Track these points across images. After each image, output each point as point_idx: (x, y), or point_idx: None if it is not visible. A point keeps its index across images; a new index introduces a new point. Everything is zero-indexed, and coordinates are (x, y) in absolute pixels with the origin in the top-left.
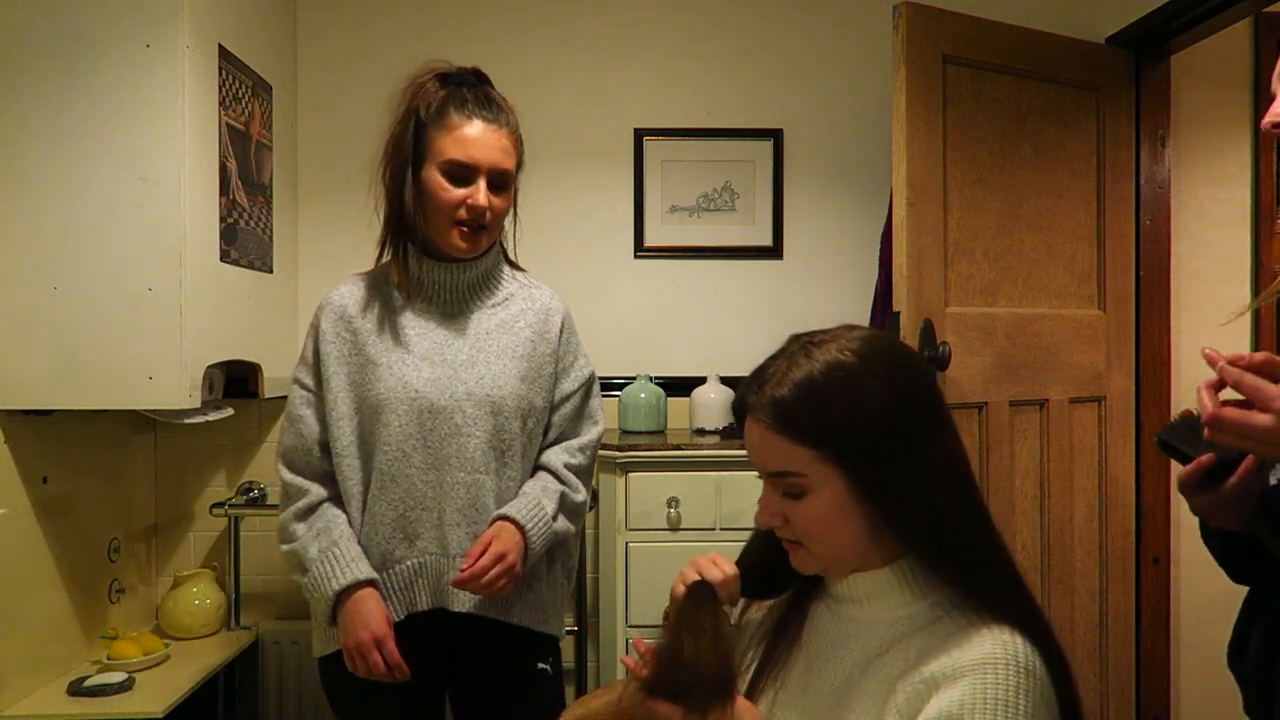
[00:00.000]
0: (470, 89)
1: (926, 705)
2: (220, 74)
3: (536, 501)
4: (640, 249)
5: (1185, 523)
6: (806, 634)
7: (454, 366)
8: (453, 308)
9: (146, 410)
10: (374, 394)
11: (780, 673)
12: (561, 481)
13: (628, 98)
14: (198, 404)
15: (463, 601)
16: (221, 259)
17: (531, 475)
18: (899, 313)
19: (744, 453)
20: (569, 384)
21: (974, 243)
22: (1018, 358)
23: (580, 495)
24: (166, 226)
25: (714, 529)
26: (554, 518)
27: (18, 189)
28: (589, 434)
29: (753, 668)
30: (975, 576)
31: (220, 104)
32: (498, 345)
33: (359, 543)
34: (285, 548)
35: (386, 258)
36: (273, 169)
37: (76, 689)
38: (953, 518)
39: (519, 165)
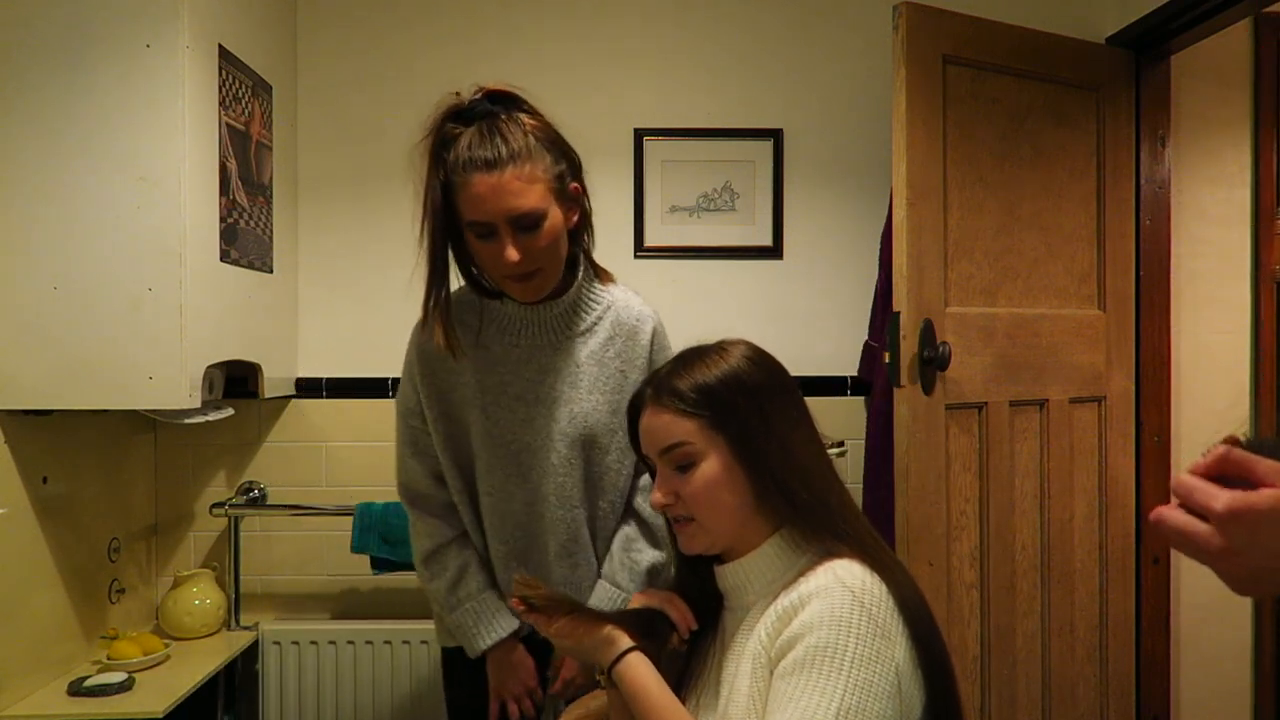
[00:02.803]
0: (480, 123)
1: (782, 633)
2: (220, 74)
3: (618, 600)
4: (640, 249)
5: None
6: (719, 643)
7: (547, 405)
8: (540, 342)
9: (146, 410)
10: (474, 437)
11: (699, 680)
12: (649, 538)
13: (628, 98)
14: (198, 404)
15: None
16: (221, 259)
17: (625, 512)
18: (899, 313)
19: None
20: None
21: (974, 243)
22: (1018, 358)
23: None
24: (166, 226)
25: None
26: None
27: (18, 189)
28: None
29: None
30: (830, 529)
31: (220, 104)
32: (589, 379)
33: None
34: (425, 586)
35: (430, 303)
36: (273, 169)
37: (76, 689)
38: (812, 482)
39: (556, 184)
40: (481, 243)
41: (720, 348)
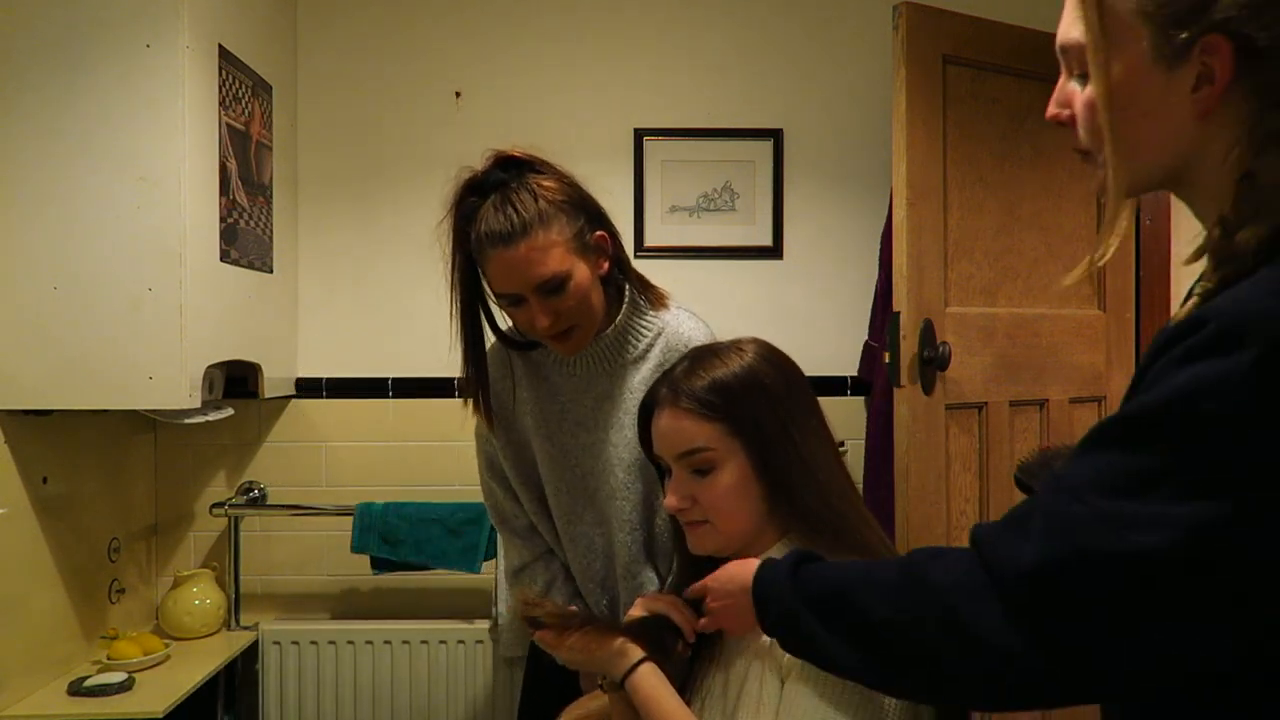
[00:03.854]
0: (496, 193)
1: None
2: (220, 74)
3: None
4: (640, 249)
5: None
6: (723, 645)
7: (604, 430)
8: (594, 371)
9: (146, 410)
10: (539, 465)
11: (703, 682)
12: None
13: (628, 98)
14: (198, 404)
15: None
16: (221, 259)
17: None
18: (899, 313)
19: None
20: None
21: (974, 243)
22: (1018, 358)
23: None
24: (166, 226)
25: None
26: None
27: (18, 189)
28: None
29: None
30: (844, 540)
31: (220, 104)
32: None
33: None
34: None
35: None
36: (273, 169)
37: (76, 689)
38: (828, 493)
39: (576, 241)
40: (514, 310)
41: (736, 347)
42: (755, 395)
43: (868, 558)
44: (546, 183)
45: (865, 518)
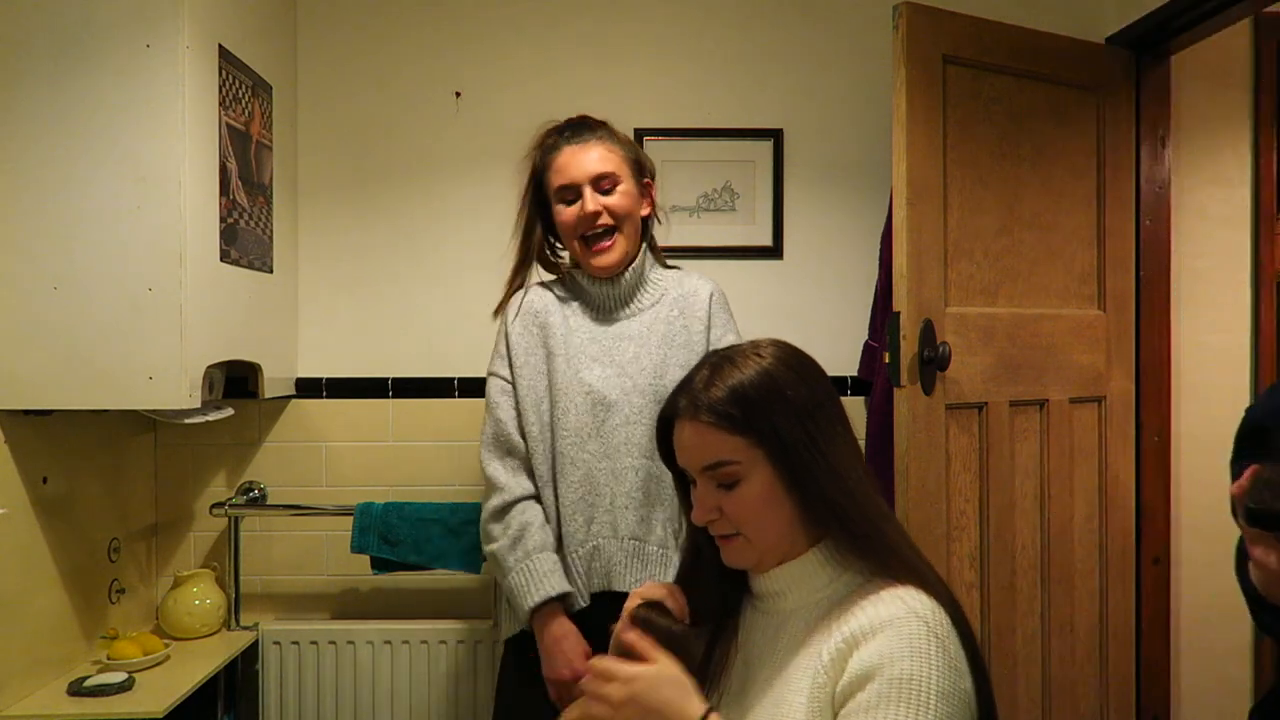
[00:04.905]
0: (569, 128)
1: (849, 661)
2: (220, 74)
3: None
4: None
5: (1185, 523)
6: (741, 639)
7: (621, 364)
8: (614, 314)
9: (146, 410)
10: (555, 385)
11: (720, 679)
12: None
13: (628, 98)
14: (198, 404)
15: (628, 581)
16: (221, 259)
17: None
18: (899, 313)
19: None
20: None
21: (974, 243)
22: (1018, 358)
23: None
24: (166, 226)
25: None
26: None
27: (18, 189)
28: None
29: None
30: (882, 549)
31: (220, 104)
32: (658, 337)
33: (553, 529)
34: (486, 548)
35: (514, 283)
36: (273, 169)
37: (76, 689)
38: (860, 498)
39: (637, 168)
40: (566, 208)
41: (755, 352)
42: (776, 404)
43: (917, 579)
44: (616, 130)
45: (898, 526)
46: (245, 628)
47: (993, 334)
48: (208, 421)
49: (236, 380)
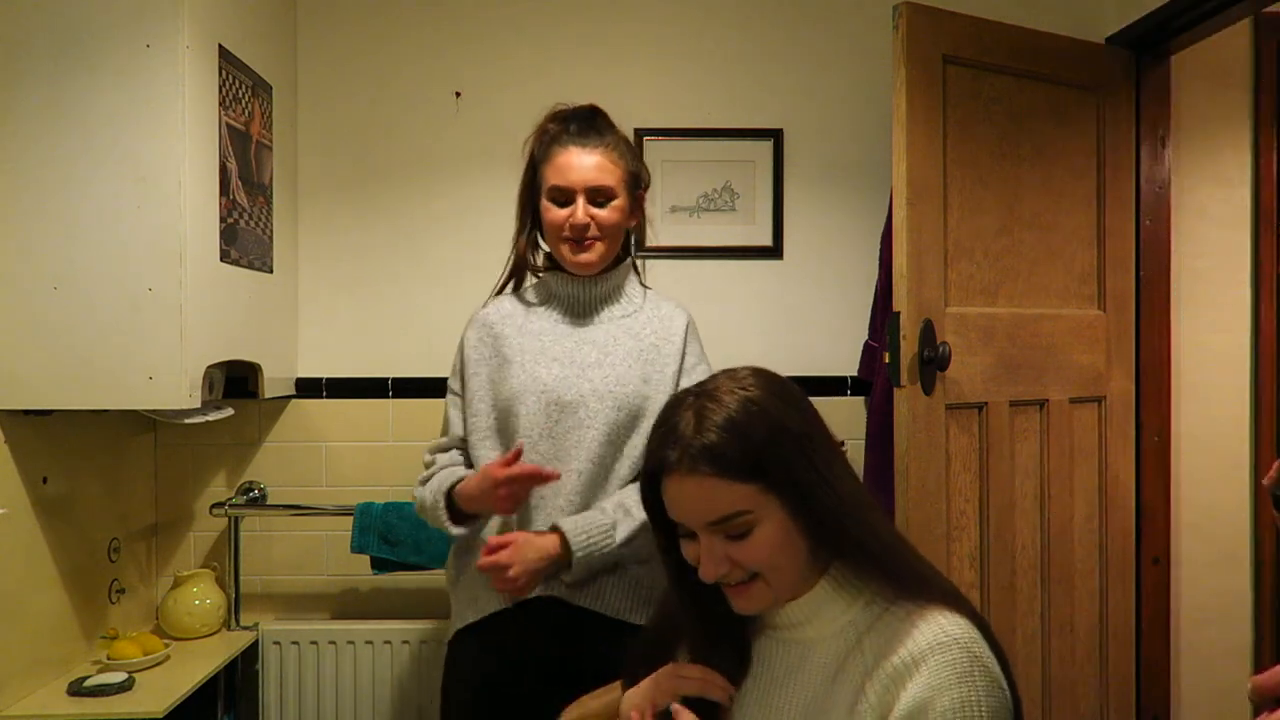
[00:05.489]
0: (577, 121)
1: (898, 698)
2: (220, 74)
3: (607, 524)
4: (641, 249)
5: (1185, 523)
6: (754, 668)
7: (581, 367)
8: (584, 318)
9: (146, 410)
10: (508, 388)
11: (733, 710)
12: None
13: (628, 97)
14: (198, 404)
15: (567, 590)
16: (221, 259)
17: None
18: (899, 313)
19: None
20: (688, 384)
21: (974, 243)
22: (1018, 358)
23: None
24: (166, 226)
25: None
26: (627, 541)
27: (18, 189)
28: None
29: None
30: (895, 568)
31: (220, 104)
32: (623, 349)
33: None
34: (419, 510)
35: (509, 279)
36: (273, 169)
37: (76, 689)
38: (871, 520)
39: (632, 180)
40: (556, 208)
41: (735, 384)
42: (780, 441)
43: (941, 598)
44: (622, 134)
45: (899, 534)
46: (245, 628)
47: (993, 334)
48: (208, 421)
49: (236, 380)
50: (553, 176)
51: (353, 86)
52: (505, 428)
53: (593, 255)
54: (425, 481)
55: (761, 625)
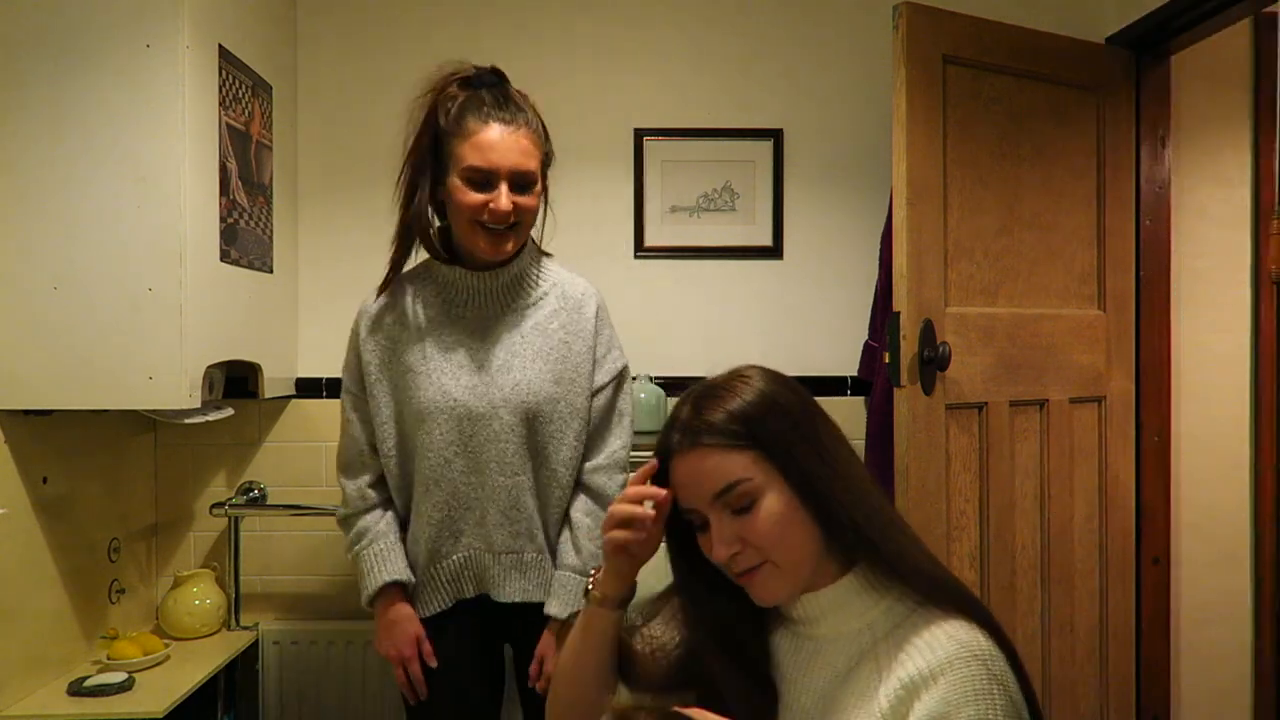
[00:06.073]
0: (489, 90)
1: (912, 709)
2: (220, 74)
3: (578, 584)
4: (640, 249)
5: (1185, 523)
6: (778, 663)
7: (490, 373)
8: (487, 312)
9: (146, 410)
10: (415, 402)
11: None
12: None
13: (628, 98)
14: (198, 404)
15: (507, 593)
16: (221, 259)
17: (575, 488)
18: (899, 313)
19: None
20: (602, 376)
21: (974, 243)
22: (1018, 358)
23: None
24: (166, 226)
25: None
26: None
27: (18, 189)
28: (620, 436)
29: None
30: (917, 574)
31: (220, 104)
32: (532, 349)
33: (404, 540)
34: (348, 554)
35: (398, 262)
36: (273, 169)
37: (76, 689)
38: (879, 509)
39: (545, 161)
40: (471, 190)
41: (740, 376)
42: (777, 416)
43: (958, 607)
44: (535, 109)
45: (909, 531)
46: (245, 628)
47: (993, 334)
48: (208, 421)
49: (236, 380)
50: (471, 155)
51: (353, 86)
52: (413, 441)
53: (511, 246)
54: (346, 520)
55: (779, 620)
